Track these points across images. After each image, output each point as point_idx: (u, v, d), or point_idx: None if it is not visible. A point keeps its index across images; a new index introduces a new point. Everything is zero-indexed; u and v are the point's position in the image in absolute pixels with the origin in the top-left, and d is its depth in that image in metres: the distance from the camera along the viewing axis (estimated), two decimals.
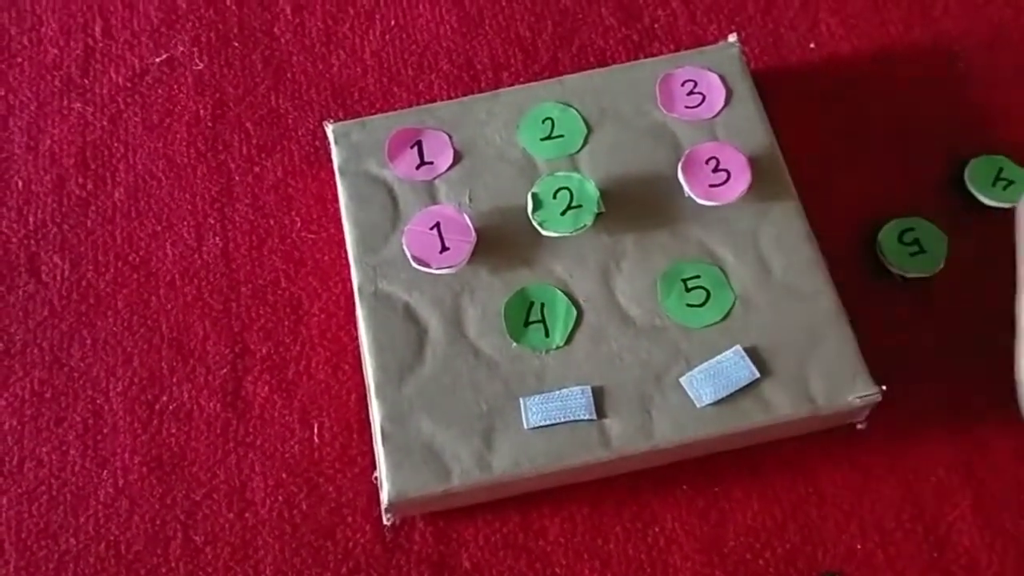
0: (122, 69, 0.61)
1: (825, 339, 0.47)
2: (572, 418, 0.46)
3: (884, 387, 0.47)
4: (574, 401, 0.47)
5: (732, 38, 0.56)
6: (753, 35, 0.61)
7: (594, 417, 0.46)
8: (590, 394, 0.47)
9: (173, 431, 0.51)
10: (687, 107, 0.53)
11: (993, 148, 0.56)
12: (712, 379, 0.47)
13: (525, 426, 0.46)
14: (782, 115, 0.55)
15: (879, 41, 0.60)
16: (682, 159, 0.51)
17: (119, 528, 0.49)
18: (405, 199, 0.52)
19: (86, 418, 0.52)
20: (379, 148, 0.53)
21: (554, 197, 0.50)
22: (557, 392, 0.47)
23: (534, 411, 0.46)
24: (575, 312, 0.49)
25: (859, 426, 0.49)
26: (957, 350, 0.52)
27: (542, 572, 0.48)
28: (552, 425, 0.46)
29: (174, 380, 0.53)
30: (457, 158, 0.53)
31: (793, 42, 0.60)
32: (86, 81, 0.61)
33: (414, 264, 0.49)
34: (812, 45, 0.60)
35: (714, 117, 0.53)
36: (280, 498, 0.50)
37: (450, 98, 0.58)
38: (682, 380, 0.47)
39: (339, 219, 0.53)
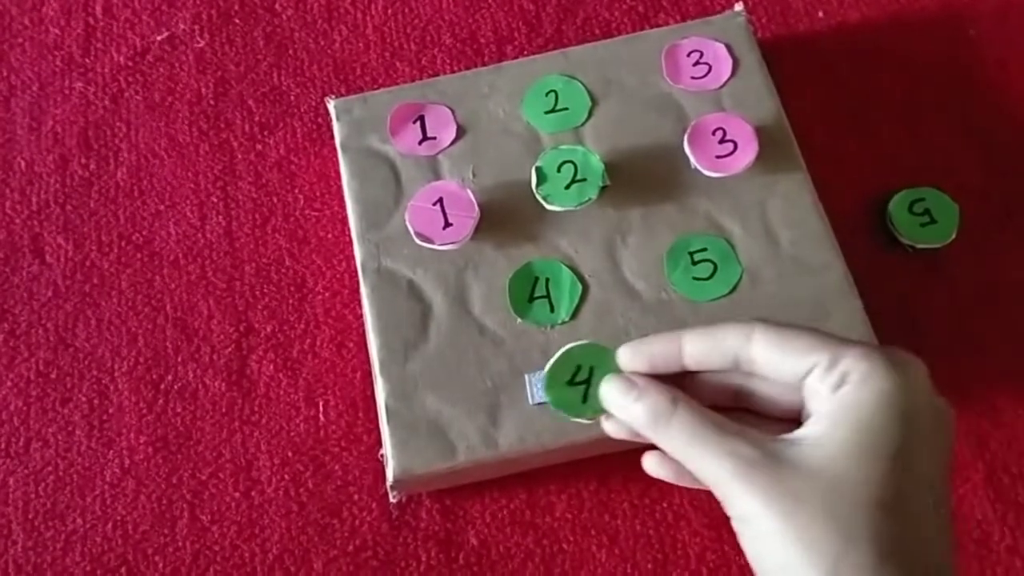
0: (123, 48, 0.61)
1: (833, 311, 0.47)
2: None
3: None
4: None
5: (738, 7, 0.55)
6: (760, 4, 0.60)
7: None
8: None
9: (179, 411, 0.51)
10: (693, 78, 0.53)
11: (1007, 114, 0.55)
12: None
13: (530, 402, 0.46)
14: (790, 85, 0.54)
15: (888, 8, 0.59)
16: (688, 130, 0.50)
17: (126, 508, 0.49)
18: (408, 175, 0.51)
19: (92, 398, 0.52)
20: (381, 124, 0.52)
21: (558, 171, 0.49)
22: None
23: (539, 387, 0.46)
24: (580, 287, 0.48)
25: None
26: (968, 321, 0.51)
27: (549, 548, 0.48)
28: None
29: (179, 360, 0.52)
30: (460, 133, 0.52)
31: (801, 10, 0.59)
32: (87, 61, 0.60)
33: (417, 240, 0.49)
34: (820, 14, 0.59)
35: (720, 87, 0.52)
36: (286, 476, 0.50)
37: (453, 72, 0.57)
38: None
39: (343, 196, 0.52)
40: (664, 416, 0.38)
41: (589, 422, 0.43)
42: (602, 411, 0.43)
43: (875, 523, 0.33)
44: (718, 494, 0.36)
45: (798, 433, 0.35)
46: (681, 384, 0.39)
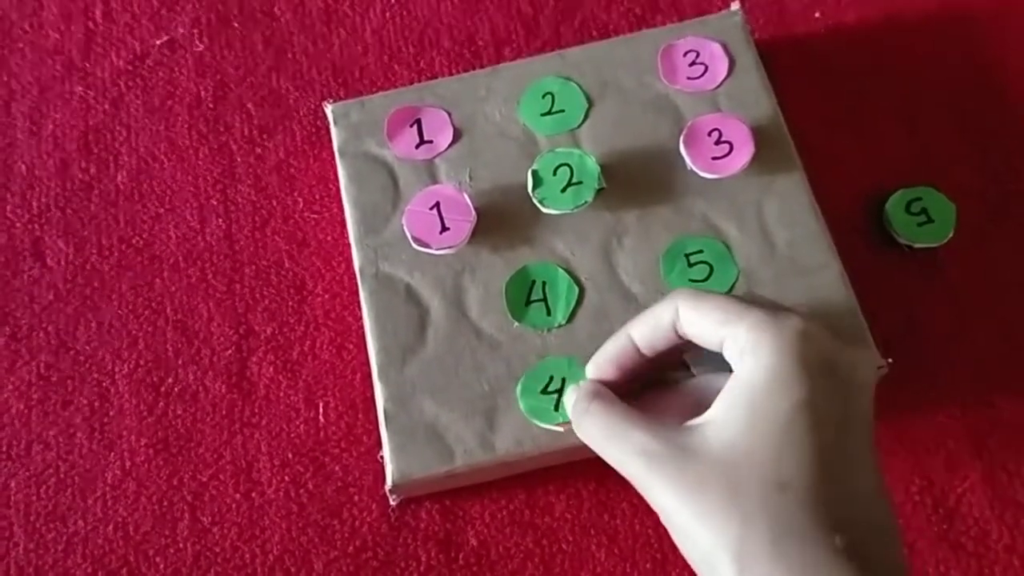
0: (123, 52, 0.61)
1: (830, 313, 0.47)
2: None
3: (890, 360, 0.46)
4: None
5: (735, 7, 0.55)
6: (757, 4, 0.60)
7: None
8: None
9: (179, 413, 0.52)
10: (689, 78, 0.53)
11: (1004, 113, 0.55)
12: (715, 354, 0.46)
13: None
14: (786, 85, 0.54)
15: (885, 8, 0.59)
16: (684, 131, 0.50)
17: (127, 510, 0.50)
18: (405, 179, 0.51)
19: (92, 401, 0.52)
20: (379, 128, 0.53)
21: (554, 174, 0.49)
22: None
23: None
24: (577, 290, 0.48)
25: None
26: (965, 321, 0.51)
27: (549, 548, 0.48)
28: None
29: (179, 362, 0.53)
30: (457, 136, 0.52)
31: (797, 10, 0.59)
32: (87, 65, 0.61)
33: (414, 245, 0.49)
34: (817, 14, 0.59)
35: (717, 88, 0.52)
36: (286, 478, 0.50)
37: (452, 75, 0.57)
38: (686, 357, 0.46)
39: (342, 199, 0.52)
40: (579, 414, 0.40)
41: (561, 429, 0.44)
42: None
43: (771, 503, 0.33)
44: (639, 491, 0.37)
45: (706, 415, 0.36)
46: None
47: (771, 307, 0.37)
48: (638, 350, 0.40)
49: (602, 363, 0.41)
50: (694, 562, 0.35)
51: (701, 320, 0.37)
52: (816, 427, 0.34)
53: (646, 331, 0.39)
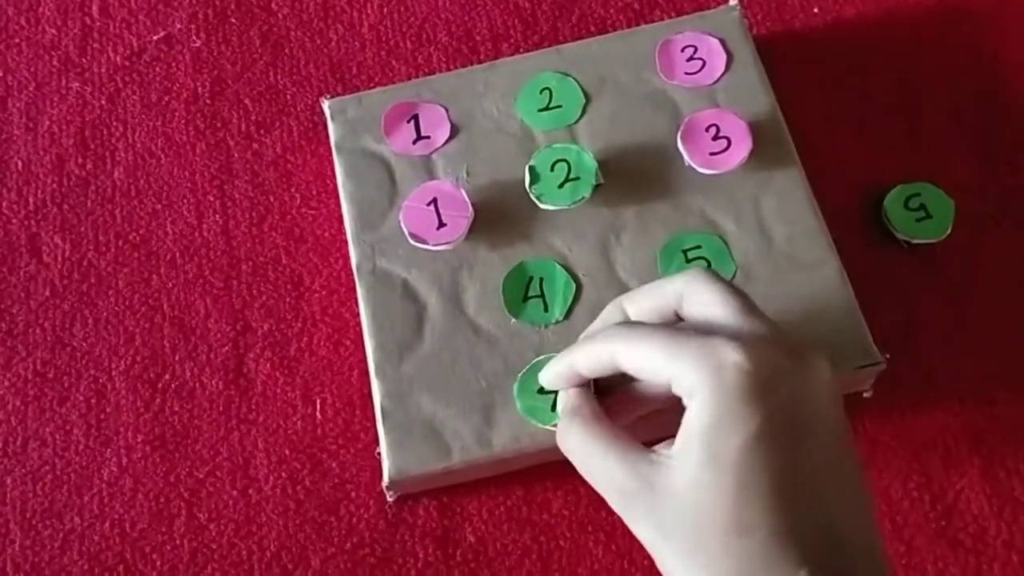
0: (120, 48, 0.61)
1: (828, 309, 0.47)
2: None
3: (888, 356, 0.46)
4: None
5: (733, 1, 0.55)
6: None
7: None
8: None
9: (176, 409, 0.52)
10: (687, 73, 0.52)
11: (1003, 108, 0.55)
12: None
13: None
14: (784, 80, 0.54)
15: (884, 3, 0.59)
16: (681, 127, 0.50)
17: (123, 506, 0.50)
18: (403, 175, 0.51)
19: (89, 398, 0.52)
20: (376, 123, 0.52)
21: (552, 170, 0.49)
22: None
23: None
24: (574, 286, 0.48)
25: (865, 394, 0.49)
26: (963, 316, 0.51)
27: (546, 545, 0.48)
28: None
29: (176, 359, 0.53)
30: (454, 131, 0.52)
31: (796, 5, 0.59)
32: (84, 60, 0.61)
33: (411, 241, 0.49)
34: (816, 9, 0.59)
35: (714, 83, 0.52)
36: (283, 474, 0.50)
37: (449, 70, 0.57)
38: None
39: (339, 194, 0.52)
40: (561, 430, 0.40)
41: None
42: None
43: (733, 548, 0.33)
44: None
45: (672, 449, 0.35)
46: None
47: (706, 337, 0.35)
48: (582, 375, 0.40)
49: (552, 379, 0.41)
50: None
51: (640, 362, 0.36)
52: (772, 455, 0.33)
53: (589, 363, 0.39)
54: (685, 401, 0.35)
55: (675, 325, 0.38)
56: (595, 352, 0.38)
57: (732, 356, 0.34)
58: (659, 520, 0.35)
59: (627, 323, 0.39)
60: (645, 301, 0.39)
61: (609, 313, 0.41)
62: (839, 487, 0.35)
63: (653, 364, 0.36)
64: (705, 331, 0.36)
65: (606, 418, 0.38)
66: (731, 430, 0.33)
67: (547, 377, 0.41)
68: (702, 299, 0.37)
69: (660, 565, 0.36)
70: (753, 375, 0.33)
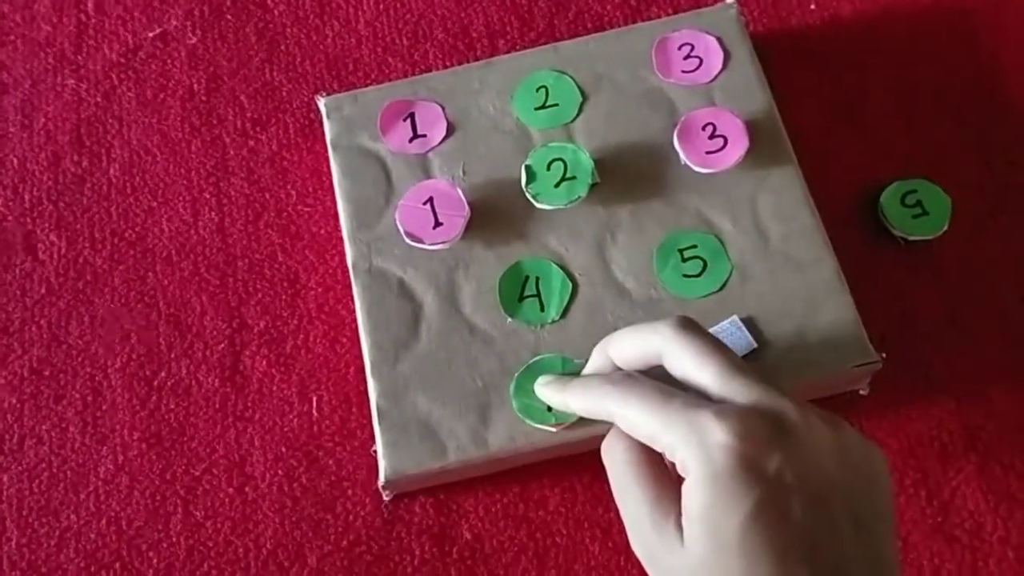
0: (115, 45, 0.61)
1: (824, 307, 0.47)
2: None
3: (884, 354, 0.46)
4: None
5: None
6: None
7: None
8: None
9: (172, 407, 0.52)
10: (684, 71, 0.52)
11: (1000, 105, 0.55)
12: None
13: None
14: (781, 78, 0.54)
15: (880, 0, 0.59)
16: (678, 126, 0.50)
17: (120, 504, 0.50)
18: (398, 173, 0.51)
19: (85, 395, 0.52)
20: (372, 121, 0.52)
21: (548, 169, 0.49)
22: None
23: None
24: (570, 285, 0.48)
25: (861, 392, 0.49)
26: (960, 313, 0.51)
27: (543, 542, 0.48)
28: None
29: (172, 356, 0.53)
30: (450, 130, 0.52)
31: (793, 3, 0.59)
32: (79, 58, 0.60)
33: (407, 240, 0.49)
34: (812, 6, 0.59)
35: (711, 81, 0.52)
36: (280, 472, 0.50)
37: (446, 67, 0.57)
38: None
39: (335, 192, 0.52)
40: (607, 448, 0.39)
41: (553, 430, 0.44)
42: (566, 420, 0.43)
43: None
44: None
45: (683, 520, 0.35)
46: None
47: (693, 412, 0.34)
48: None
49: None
50: None
51: (634, 427, 0.37)
52: (774, 530, 0.33)
53: (586, 411, 0.40)
54: (680, 472, 0.35)
55: (667, 382, 0.37)
56: (590, 405, 0.39)
57: (717, 435, 0.33)
58: None
59: (620, 378, 0.38)
60: (628, 350, 0.40)
61: (596, 360, 0.41)
62: (859, 550, 0.34)
63: (647, 430, 0.36)
64: (695, 394, 0.36)
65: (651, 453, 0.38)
66: (727, 511, 0.33)
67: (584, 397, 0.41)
68: (681, 363, 0.37)
69: None
70: (741, 453, 0.33)
